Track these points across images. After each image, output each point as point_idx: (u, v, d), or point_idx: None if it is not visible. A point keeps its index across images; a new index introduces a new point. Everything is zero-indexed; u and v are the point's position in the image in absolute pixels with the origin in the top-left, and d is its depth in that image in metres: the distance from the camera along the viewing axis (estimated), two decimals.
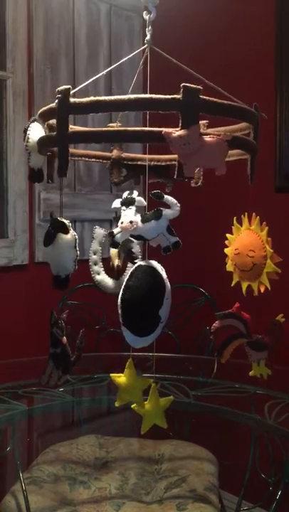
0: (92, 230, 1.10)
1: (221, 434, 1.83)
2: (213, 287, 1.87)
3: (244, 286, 0.93)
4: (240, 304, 0.99)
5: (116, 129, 0.95)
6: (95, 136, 0.86)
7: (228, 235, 0.98)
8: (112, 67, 1.04)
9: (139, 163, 1.06)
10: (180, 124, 0.76)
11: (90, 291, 1.87)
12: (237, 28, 2.07)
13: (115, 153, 1.09)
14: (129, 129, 0.84)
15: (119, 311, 0.84)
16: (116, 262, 1.14)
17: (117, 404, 0.97)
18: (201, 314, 1.85)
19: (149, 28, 0.97)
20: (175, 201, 0.87)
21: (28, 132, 0.95)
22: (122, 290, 0.84)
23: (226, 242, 0.97)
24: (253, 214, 0.93)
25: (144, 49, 0.99)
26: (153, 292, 0.83)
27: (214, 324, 0.99)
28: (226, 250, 0.95)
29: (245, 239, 0.89)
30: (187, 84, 0.76)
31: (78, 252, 0.89)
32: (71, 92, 0.82)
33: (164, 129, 0.76)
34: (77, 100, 0.80)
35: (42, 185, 2.04)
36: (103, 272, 1.11)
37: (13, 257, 1.97)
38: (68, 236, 0.87)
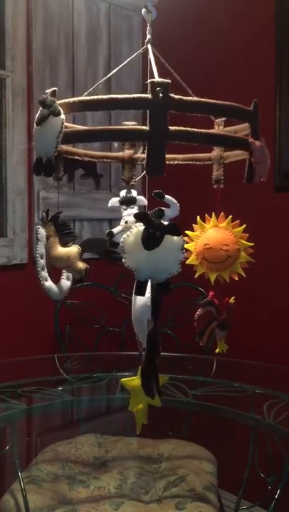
0: (36, 231, 1.02)
1: (220, 434, 1.83)
2: (212, 287, 1.87)
3: (212, 276, 1.01)
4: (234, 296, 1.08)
5: (212, 131, 0.93)
6: (195, 136, 0.84)
7: (189, 232, 1.02)
8: (115, 70, 1.04)
9: (76, 157, 1.05)
10: (148, 122, 0.77)
11: (89, 291, 1.87)
12: (237, 28, 2.07)
13: (127, 153, 1.09)
14: (220, 133, 0.85)
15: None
16: (80, 264, 1.05)
17: (130, 409, 0.96)
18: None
19: (149, 27, 0.96)
20: (175, 201, 0.87)
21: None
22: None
23: (186, 238, 1.01)
24: (222, 213, 0.99)
25: (145, 49, 0.99)
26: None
27: (197, 312, 1.06)
28: (188, 246, 0.98)
29: (215, 235, 0.96)
30: (155, 80, 0.76)
31: (185, 254, 0.87)
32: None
33: (250, 139, 0.84)
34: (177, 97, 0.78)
35: (41, 185, 2.03)
36: (49, 278, 1.05)
37: (12, 256, 1.97)
38: (176, 238, 0.85)
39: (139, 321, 0.89)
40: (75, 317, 2.01)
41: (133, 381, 0.96)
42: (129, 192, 0.86)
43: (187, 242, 0.99)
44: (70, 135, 0.81)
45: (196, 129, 0.84)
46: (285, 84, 1.88)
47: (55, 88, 0.82)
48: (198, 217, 1.02)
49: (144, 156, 1.08)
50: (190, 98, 0.78)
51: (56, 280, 1.06)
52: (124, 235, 0.83)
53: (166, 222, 0.80)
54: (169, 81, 0.76)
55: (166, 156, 1.09)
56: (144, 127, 0.78)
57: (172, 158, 1.08)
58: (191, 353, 1.72)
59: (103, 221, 2.28)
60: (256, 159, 0.87)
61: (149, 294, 0.87)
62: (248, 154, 0.90)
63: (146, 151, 0.78)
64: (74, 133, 0.83)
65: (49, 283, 1.03)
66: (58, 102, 0.81)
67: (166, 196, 0.87)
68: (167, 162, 1.09)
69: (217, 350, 1.11)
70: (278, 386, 1.45)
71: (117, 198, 0.86)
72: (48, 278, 1.03)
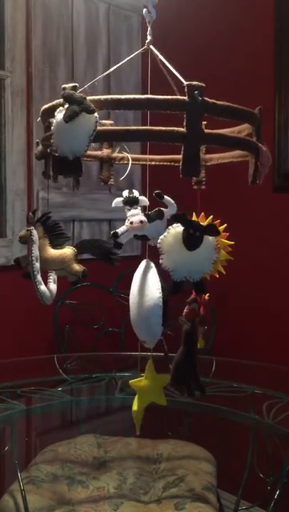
0: (30, 232, 0.99)
1: (220, 434, 1.83)
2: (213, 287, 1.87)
3: None
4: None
5: (238, 136, 0.93)
6: (226, 140, 0.85)
7: None
8: (113, 68, 1.04)
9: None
10: (185, 124, 0.77)
11: (89, 291, 1.87)
12: (236, 29, 2.07)
13: (106, 152, 1.09)
14: (245, 138, 0.85)
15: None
16: (76, 267, 1.03)
17: (138, 410, 0.97)
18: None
19: (150, 28, 0.96)
20: (172, 201, 0.88)
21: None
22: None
23: None
24: (203, 214, 0.99)
25: (145, 50, 0.99)
26: None
27: (185, 310, 1.09)
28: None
29: None
30: (192, 83, 0.76)
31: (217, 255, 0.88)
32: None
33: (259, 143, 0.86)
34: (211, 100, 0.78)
35: (40, 185, 2.04)
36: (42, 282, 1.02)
37: (12, 256, 1.97)
38: (210, 238, 0.86)
39: (147, 321, 0.89)
40: (75, 317, 2.01)
41: (140, 382, 0.97)
42: (131, 192, 0.86)
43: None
44: (103, 134, 0.78)
45: (226, 133, 0.87)
46: (285, 86, 1.89)
47: (76, 84, 0.79)
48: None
49: (122, 155, 1.08)
50: (222, 102, 0.80)
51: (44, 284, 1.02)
52: (162, 236, 0.84)
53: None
54: (204, 85, 0.76)
55: (144, 156, 1.10)
56: (181, 129, 0.78)
57: (150, 159, 1.09)
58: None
59: (103, 221, 2.28)
60: (263, 162, 0.88)
61: (160, 295, 0.87)
62: (254, 157, 0.91)
63: (181, 152, 0.78)
64: (107, 132, 0.80)
65: (44, 287, 1.00)
66: (88, 98, 0.77)
67: (165, 196, 0.88)
68: (144, 162, 1.10)
69: (198, 346, 1.14)
70: (277, 386, 1.45)
71: (121, 199, 0.86)
72: (41, 281, 1.01)
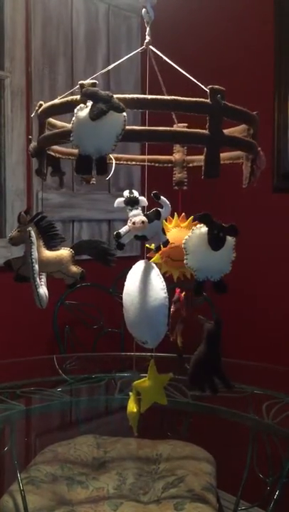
0: (28, 233, 0.95)
1: (219, 434, 1.83)
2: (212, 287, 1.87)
3: (176, 274, 1.04)
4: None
5: (248, 140, 0.95)
6: (240, 142, 0.88)
7: None
8: (111, 66, 1.03)
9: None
10: (208, 127, 0.79)
11: (88, 292, 1.87)
12: (236, 30, 2.07)
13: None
14: (252, 141, 0.87)
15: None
16: (74, 269, 0.99)
17: (142, 411, 0.98)
18: (199, 314, 1.85)
19: (148, 28, 0.96)
20: (167, 202, 0.89)
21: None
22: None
23: None
24: (183, 214, 1.01)
25: (143, 49, 0.99)
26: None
27: (171, 308, 1.12)
28: (151, 246, 1.00)
29: (179, 234, 0.98)
30: (215, 87, 0.79)
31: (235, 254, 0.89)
32: (67, 92, 0.81)
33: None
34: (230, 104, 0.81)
35: (40, 185, 2.03)
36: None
37: (11, 256, 1.93)
38: (230, 239, 0.87)
39: (152, 321, 0.89)
40: (74, 318, 2.01)
41: (144, 383, 0.98)
42: (131, 192, 0.86)
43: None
44: (128, 134, 0.77)
45: (241, 137, 0.90)
46: (285, 86, 1.89)
47: (95, 81, 0.76)
48: None
49: (130, 157, 1.09)
50: (239, 107, 0.83)
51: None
52: (186, 237, 0.86)
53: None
54: (224, 89, 0.79)
55: (125, 156, 1.11)
56: (204, 131, 0.80)
57: (130, 158, 1.09)
58: (190, 353, 1.72)
59: (102, 222, 2.28)
60: (259, 165, 0.90)
61: (166, 295, 0.87)
62: (250, 160, 0.93)
63: (204, 155, 0.80)
64: (133, 132, 0.80)
65: (43, 289, 0.98)
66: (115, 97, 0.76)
67: (161, 197, 0.88)
68: (125, 162, 1.10)
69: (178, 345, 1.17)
70: (277, 386, 1.45)
71: (122, 199, 0.86)
72: (40, 285, 0.98)
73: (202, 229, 0.85)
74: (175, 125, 1.06)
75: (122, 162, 1.11)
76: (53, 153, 1.03)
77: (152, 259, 0.99)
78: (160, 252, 0.99)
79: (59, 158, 1.03)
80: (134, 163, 1.13)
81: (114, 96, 0.74)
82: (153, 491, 1.45)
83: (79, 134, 0.75)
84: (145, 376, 1.00)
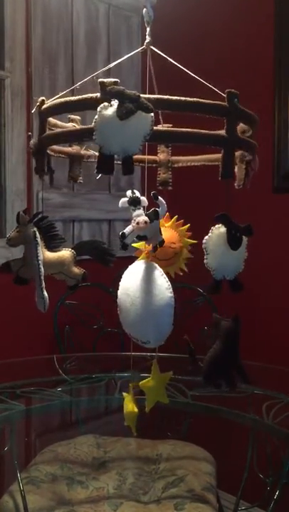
0: (34, 234, 0.92)
1: (219, 434, 1.83)
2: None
3: None
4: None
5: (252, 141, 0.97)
6: (251, 145, 0.90)
7: None
8: (111, 65, 1.04)
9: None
10: (225, 128, 0.82)
11: (88, 292, 1.87)
12: (236, 28, 2.07)
13: (75, 149, 1.09)
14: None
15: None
16: (76, 270, 0.98)
17: (148, 411, 0.98)
18: (199, 314, 1.85)
19: (149, 28, 0.96)
20: (164, 201, 0.89)
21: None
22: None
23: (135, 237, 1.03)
24: (167, 214, 1.00)
25: (144, 50, 0.99)
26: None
27: None
28: (137, 245, 1.00)
29: (164, 234, 0.99)
30: (232, 90, 0.82)
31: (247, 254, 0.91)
32: (67, 90, 0.81)
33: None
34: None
35: (40, 185, 2.04)
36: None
37: (12, 256, 1.93)
38: (244, 239, 0.90)
39: (157, 320, 0.88)
40: (74, 318, 2.01)
41: (149, 383, 0.98)
42: (133, 192, 0.86)
43: None
44: (153, 134, 0.78)
45: (251, 140, 0.92)
46: (285, 86, 1.89)
47: (117, 79, 0.77)
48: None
49: (90, 153, 1.09)
50: (249, 111, 0.87)
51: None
52: (206, 237, 0.88)
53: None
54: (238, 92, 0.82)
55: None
56: (222, 133, 0.83)
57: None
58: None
59: (103, 222, 2.28)
60: (254, 166, 0.93)
61: (172, 294, 0.88)
62: (244, 161, 0.95)
63: (222, 156, 0.82)
64: (158, 132, 0.82)
65: (46, 293, 0.96)
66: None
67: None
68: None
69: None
70: (277, 387, 1.45)
71: (126, 199, 0.86)
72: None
73: (220, 229, 0.88)
74: (160, 125, 1.05)
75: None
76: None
77: (139, 259, 0.99)
78: (146, 251, 0.99)
79: (50, 156, 1.03)
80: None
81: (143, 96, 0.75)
82: (153, 491, 1.45)
83: (104, 133, 0.74)
84: (146, 376, 1.00)
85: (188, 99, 0.79)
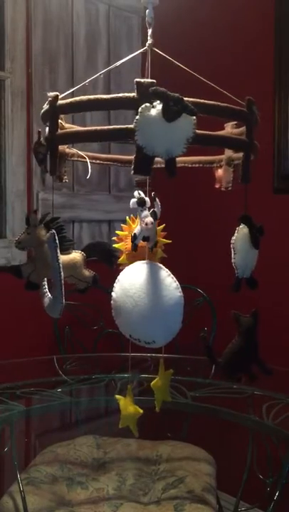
0: (52, 236, 0.89)
1: (219, 435, 1.83)
2: (211, 288, 1.87)
3: None
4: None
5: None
6: (256, 146, 0.93)
7: (119, 232, 1.02)
8: (111, 67, 1.04)
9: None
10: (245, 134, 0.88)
11: (88, 292, 1.87)
12: (236, 28, 2.07)
13: (61, 147, 1.07)
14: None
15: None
16: (86, 273, 0.97)
17: (158, 410, 1.01)
18: (199, 315, 1.85)
19: (150, 29, 0.96)
20: (159, 202, 0.90)
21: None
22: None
23: (116, 238, 1.02)
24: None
25: (145, 51, 0.99)
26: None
27: None
28: (118, 246, 1.00)
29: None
30: (251, 98, 0.87)
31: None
32: (68, 92, 0.81)
33: None
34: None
35: (40, 186, 2.04)
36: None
37: (12, 257, 1.97)
38: None
39: (166, 319, 0.88)
40: (74, 318, 2.01)
41: (158, 382, 1.00)
42: (139, 193, 0.86)
43: None
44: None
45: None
46: (285, 86, 1.89)
47: (154, 80, 0.75)
48: (126, 217, 1.02)
49: (72, 151, 1.08)
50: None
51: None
52: (234, 237, 0.94)
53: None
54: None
55: (96, 155, 1.11)
56: (244, 138, 0.88)
57: (94, 157, 1.09)
58: (190, 354, 1.72)
59: (102, 222, 2.28)
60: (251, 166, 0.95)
61: (181, 294, 0.88)
62: (231, 164, 0.98)
63: (242, 160, 0.87)
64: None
65: (48, 297, 0.94)
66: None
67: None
68: (96, 161, 1.11)
69: None
70: (277, 387, 1.45)
71: (135, 199, 0.86)
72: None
73: (244, 229, 0.93)
74: None
75: (104, 162, 1.12)
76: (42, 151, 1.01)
77: (120, 260, 0.99)
78: (126, 251, 0.99)
79: (46, 155, 1.01)
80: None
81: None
82: (153, 491, 1.45)
83: (147, 134, 0.74)
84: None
85: (221, 104, 0.82)
